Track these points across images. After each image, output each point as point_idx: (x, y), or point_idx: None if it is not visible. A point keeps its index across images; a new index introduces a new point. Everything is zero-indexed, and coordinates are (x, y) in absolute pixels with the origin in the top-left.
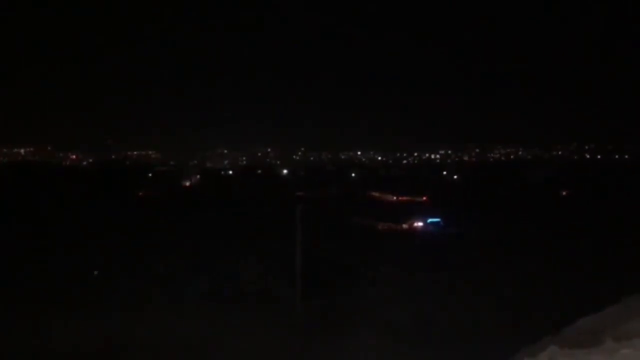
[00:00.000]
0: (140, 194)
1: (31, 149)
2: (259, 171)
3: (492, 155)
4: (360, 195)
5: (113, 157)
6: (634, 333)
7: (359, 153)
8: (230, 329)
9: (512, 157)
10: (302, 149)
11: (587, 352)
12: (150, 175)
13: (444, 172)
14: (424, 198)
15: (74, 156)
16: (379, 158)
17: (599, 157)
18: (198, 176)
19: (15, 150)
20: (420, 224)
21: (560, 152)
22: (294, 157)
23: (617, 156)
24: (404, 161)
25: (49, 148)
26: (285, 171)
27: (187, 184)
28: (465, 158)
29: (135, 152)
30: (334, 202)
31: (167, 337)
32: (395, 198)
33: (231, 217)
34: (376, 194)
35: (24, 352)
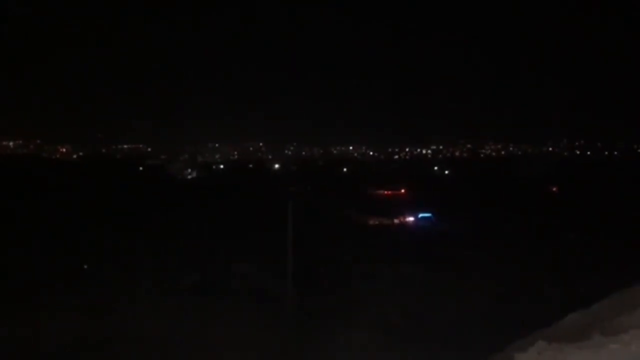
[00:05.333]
0: (132, 187)
1: (20, 142)
2: (250, 165)
3: (483, 151)
4: (351, 189)
5: (103, 150)
6: (622, 328)
7: (350, 148)
8: (222, 325)
9: (503, 152)
10: (294, 143)
11: (575, 346)
12: (141, 169)
13: (435, 168)
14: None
15: (64, 149)
16: (371, 153)
17: (588, 153)
18: (189, 170)
19: (4, 143)
20: (412, 218)
21: (550, 149)
22: (286, 151)
23: (606, 153)
24: (396, 156)
25: (38, 141)
26: (276, 166)
27: (180, 177)
28: (457, 154)
29: (125, 146)
30: (324, 197)
31: (151, 331)
32: (384, 192)
33: (224, 211)
34: (369, 190)
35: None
